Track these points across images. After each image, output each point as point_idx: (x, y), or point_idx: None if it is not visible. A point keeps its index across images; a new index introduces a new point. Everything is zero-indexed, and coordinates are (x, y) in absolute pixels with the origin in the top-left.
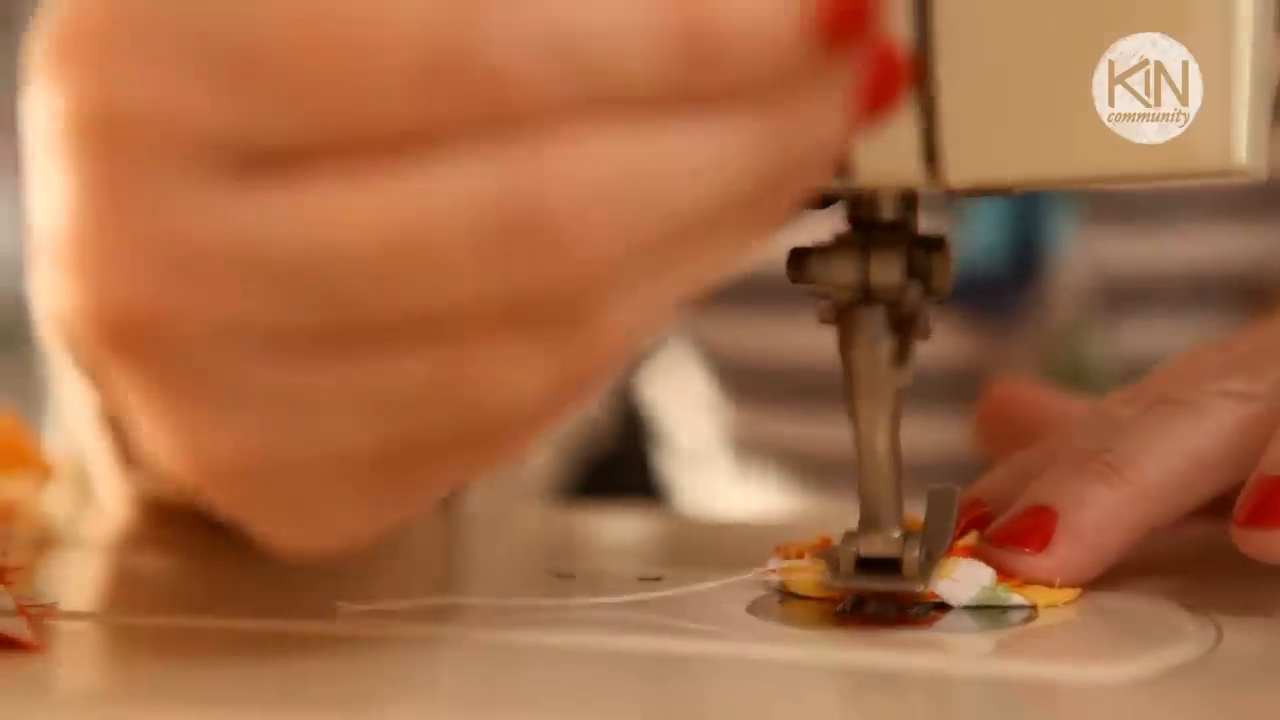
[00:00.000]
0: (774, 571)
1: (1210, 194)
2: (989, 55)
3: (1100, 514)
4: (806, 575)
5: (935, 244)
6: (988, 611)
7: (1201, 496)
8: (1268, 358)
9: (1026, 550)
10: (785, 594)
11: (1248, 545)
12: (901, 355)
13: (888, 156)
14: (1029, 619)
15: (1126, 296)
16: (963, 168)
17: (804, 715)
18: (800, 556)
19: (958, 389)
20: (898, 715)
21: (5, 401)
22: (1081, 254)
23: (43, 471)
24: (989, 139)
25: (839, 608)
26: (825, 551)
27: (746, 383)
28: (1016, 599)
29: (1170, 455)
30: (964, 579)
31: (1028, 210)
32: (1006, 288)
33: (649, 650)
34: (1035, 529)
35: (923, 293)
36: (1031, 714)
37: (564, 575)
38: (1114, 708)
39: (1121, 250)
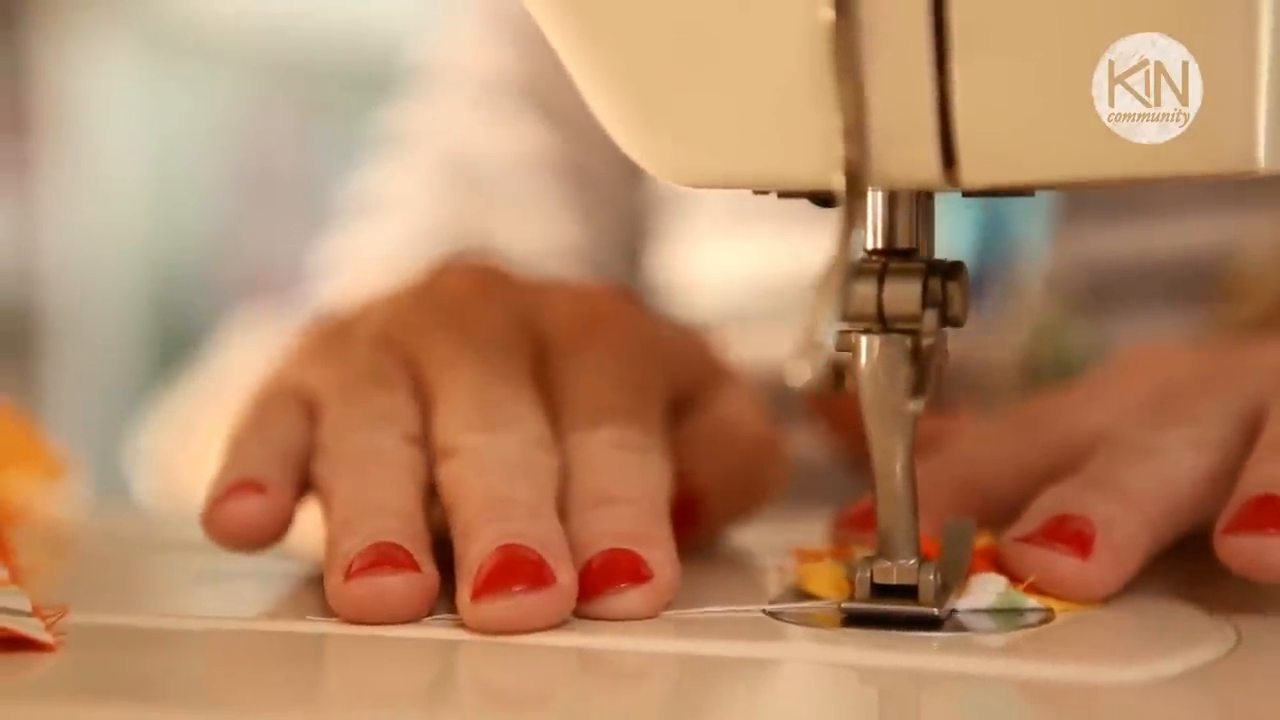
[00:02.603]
0: (790, 572)
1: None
2: (1005, 56)
3: (1127, 535)
4: (824, 576)
5: (952, 271)
6: (1004, 613)
7: (1168, 541)
8: (1219, 405)
9: (1069, 550)
10: (802, 595)
11: (1238, 555)
12: (919, 384)
13: (905, 159)
14: (1045, 620)
15: (1109, 288)
16: (979, 170)
17: (820, 715)
18: (819, 560)
19: (936, 387)
20: (917, 715)
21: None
22: (1061, 248)
23: (51, 469)
24: (1006, 140)
25: (843, 602)
26: (845, 559)
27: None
28: (1032, 603)
29: (1159, 490)
30: (977, 591)
31: (994, 205)
32: (976, 286)
33: (666, 651)
34: (1075, 534)
35: (939, 321)
36: (1049, 714)
37: None
38: (1132, 709)
39: (1103, 242)
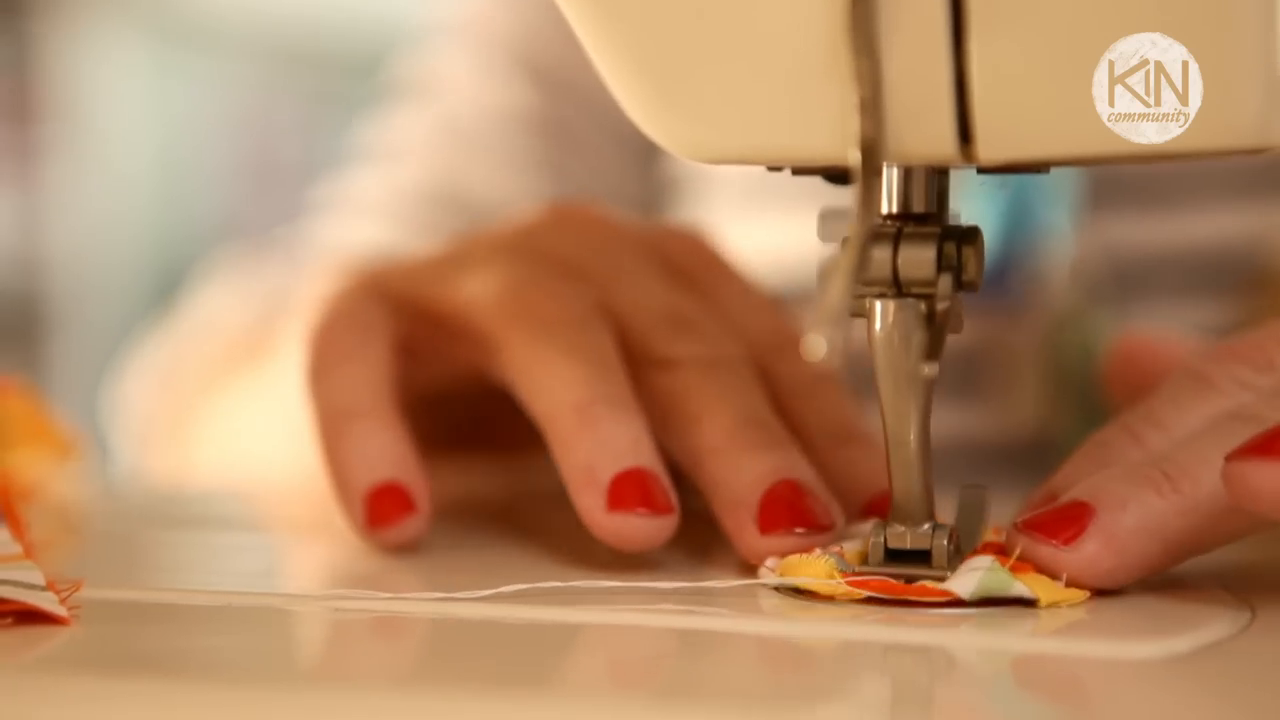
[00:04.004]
0: (773, 570)
1: (1215, 173)
2: (1023, 32)
3: (1141, 520)
4: (813, 568)
5: (967, 236)
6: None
7: (1259, 522)
8: None
9: (1052, 541)
10: (790, 589)
11: (1231, 481)
12: (932, 349)
13: (922, 134)
14: (1030, 605)
15: (1133, 278)
16: (996, 146)
17: (834, 690)
18: (808, 550)
19: (960, 373)
20: (932, 690)
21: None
22: (1086, 236)
23: (62, 448)
24: (1023, 116)
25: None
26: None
27: None
28: (1019, 587)
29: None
30: (965, 568)
31: (1020, 193)
32: (1000, 273)
33: (671, 626)
34: (1067, 522)
35: (954, 285)
36: (1064, 689)
37: None
38: (1145, 684)
39: (1128, 232)
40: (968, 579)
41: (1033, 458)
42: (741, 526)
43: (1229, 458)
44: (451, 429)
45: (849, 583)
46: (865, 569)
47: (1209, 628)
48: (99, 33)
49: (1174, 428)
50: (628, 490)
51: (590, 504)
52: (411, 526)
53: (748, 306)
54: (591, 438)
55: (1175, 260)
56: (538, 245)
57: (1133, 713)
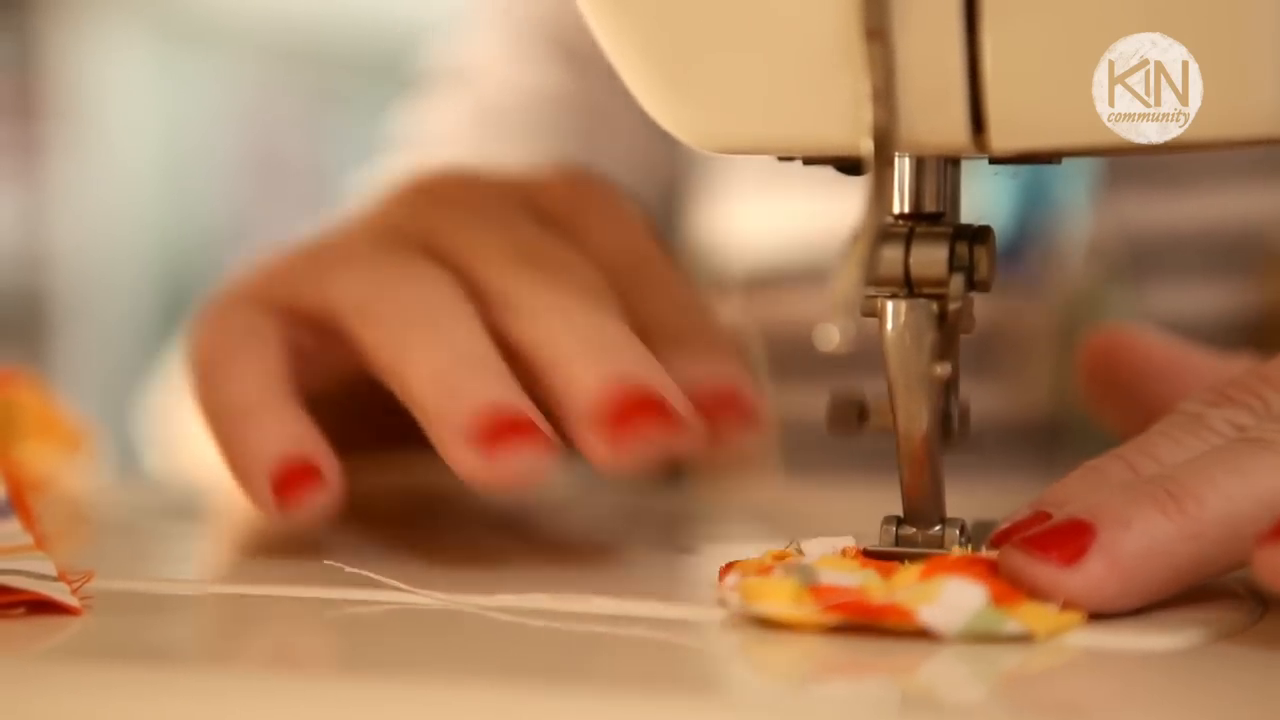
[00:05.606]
0: (736, 591)
1: (1233, 152)
2: (1036, 21)
3: (1146, 542)
4: (778, 590)
5: (979, 236)
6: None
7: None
8: None
9: (1051, 559)
10: (755, 618)
11: (1267, 569)
12: (944, 349)
13: (934, 124)
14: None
15: (1149, 257)
16: (1008, 135)
17: (854, 679)
18: (766, 572)
19: (974, 352)
20: (944, 680)
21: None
22: (1103, 214)
23: (72, 440)
24: (1036, 106)
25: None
26: (791, 565)
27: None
28: (1012, 625)
29: (1238, 494)
30: (951, 603)
31: (1037, 171)
32: (1016, 251)
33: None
34: (1067, 541)
35: (966, 286)
36: (1071, 680)
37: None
38: (1154, 677)
39: (1144, 211)
40: (953, 617)
41: (1047, 436)
42: (587, 439)
43: (1259, 542)
44: (352, 431)
45: (824, 608)
46: (875, 549)
47: (1219, 621)
48: (104, 29)
49: (1168, 461)
50: (493, 423)
51: (457, 454)
52: (320, 500)
53: (612, 232)
54: (449, 390)
55: (1192, 239)
56: (395, 225)
57: (1142, 706)
